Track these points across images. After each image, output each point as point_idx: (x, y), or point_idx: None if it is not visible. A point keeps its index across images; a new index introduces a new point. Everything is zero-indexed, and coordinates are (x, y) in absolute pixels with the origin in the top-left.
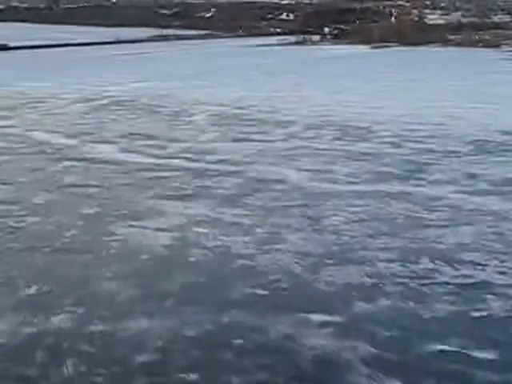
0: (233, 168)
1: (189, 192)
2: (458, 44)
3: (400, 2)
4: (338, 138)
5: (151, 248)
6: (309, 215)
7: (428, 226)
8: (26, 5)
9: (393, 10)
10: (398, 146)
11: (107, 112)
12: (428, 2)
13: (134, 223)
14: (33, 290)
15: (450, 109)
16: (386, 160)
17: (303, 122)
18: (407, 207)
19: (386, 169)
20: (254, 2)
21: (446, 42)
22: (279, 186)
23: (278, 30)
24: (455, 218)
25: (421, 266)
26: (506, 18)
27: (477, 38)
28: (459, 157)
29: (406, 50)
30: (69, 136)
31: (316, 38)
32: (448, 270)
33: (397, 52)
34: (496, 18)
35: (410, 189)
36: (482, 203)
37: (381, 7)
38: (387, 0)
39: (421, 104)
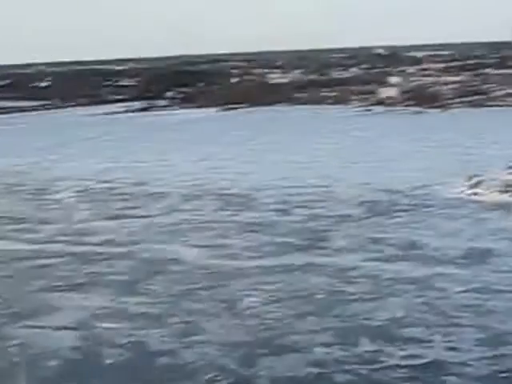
0: (120, 249)
1: (80, 280)
2: (306, 102)
3: (240, 64)
4: (221, 208)
5: (57, 352)
6: (221, 298)
7: (353, 301)
8: None
9: (234, 71)
10: (287, 213)
11: None
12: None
13: (30, 323)
14: None
15: (325, 170)
16: (279, 230)
17: (177, 192)
18: (323, 281)
19: (282, 239)
20: (90, 70)
21: (293, 101)
22: (177, 267)
23: (120, 96)
24: (377, 290)
25: (364, 349)
26: (346, 74)
27: (325, 95)
28: (355, 221)
29: (254, 110)
30: None
31: (162, 102)
32: (393, 350)
33: (247, 114)
34: (335, 74)
35: (318, 260)
36: (398, 271)
37: (220, 68)
38: (223, 61)
39: (295, 166)
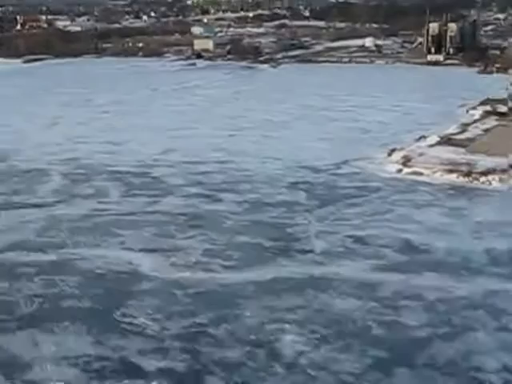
0: (46, 257)
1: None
2: (117, 53)
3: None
4: (132, 195)
5: None
6: (247, 338)
7: (426, 340)
8: None
9: (18, 17)
10: (214, 199)
11: None
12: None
13: None
14: None
15: (201, 139)
16: (226, 224)
17: (58, 171)
18: (357, 305)
19: (244, 239)
20: None
21: (101, 52)
22: (146, 285)
23: None
24: (442, 320)
25: None
26: (135, 23)
27: (140, 45)
28: (309, 211)
29: (62, 62)
30: None
31: None
32: None
33: (55, 66)
34: (127, 22)
35: (317, 271)
36: (440, 288)
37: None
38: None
39: (168, 134)
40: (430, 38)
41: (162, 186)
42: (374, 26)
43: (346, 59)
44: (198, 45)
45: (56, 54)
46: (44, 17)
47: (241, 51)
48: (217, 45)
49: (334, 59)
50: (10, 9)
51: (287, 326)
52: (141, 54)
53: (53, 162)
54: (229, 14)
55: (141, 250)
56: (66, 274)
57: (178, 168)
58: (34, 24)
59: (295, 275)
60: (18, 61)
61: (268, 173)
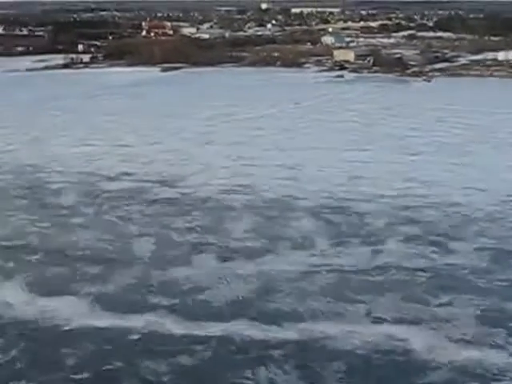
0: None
1: None
2: (254, 63)
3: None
4: (342, 242)
5: None
6: None
7: None
8: None
9: (143, 23)
10: (444, 247)
11: None
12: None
13: None
14: None
15: (380, 165)
16: (486, 285)
17: (239, 202)
18: None
19: None
20: None
21: (238, 61)
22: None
23: (20, 48)
24: None
25: None
26: (261, 31)
27: (276, 54)
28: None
29: (199, 71)
30: None
31: (86, 58)
32: None
33: (192, 75)
34: (251, 31)
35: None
36: None
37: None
38: (119, 11)
39: (340, 157)
40: None
41: (370, 228)
42: (493, 38)
43: (488, 73)
44: (339, 56)
45: (192, 62)
46: (169, 23)
47: (384, 63)
48: (357, 56)
49: (478, 72)
50: (116, 13)
51: None
52: (279, 63)
53: (226, 189)
54: (350, 24)
55: (398, 322)
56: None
57: (376, 202)
58: (160, 31)
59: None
60: (156, 69)
61: (484, 208)
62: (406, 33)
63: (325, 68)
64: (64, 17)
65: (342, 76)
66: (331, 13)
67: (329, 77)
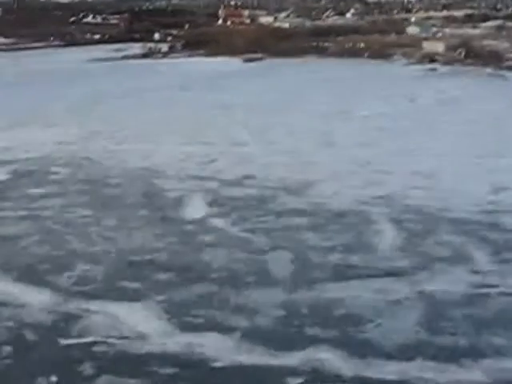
0: None
1: None
2: (339, 54)
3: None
4: (503, 259)
5: None
6: None
7: None
8: None
9: (219, 12)
10: None
11: None
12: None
13: None
14: None
15: None
16: None
17: (379, 214)
18: None
19: None
20: (44, 2)
21: (322, 52)
22: None
23: (96, 36)
24: None
25: None
26: (340, 20)
27: (362, 45)
28: None
29: (282, 62)
30: None
31: (164, 47)
32: None
33: (274, 66)
34: (330, 20)
35: None
36: None
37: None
38: None
39: (479, 165)
40: None
41: None
42: None
43: None
44: (428, 47)
45: (274, 53)
46: (246, 12)
47: (478, 56)
48: (447, 47)
49: None
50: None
51: None
52: (366, 55)
53: (361, 200)
54: (432, 13)
55: None
56: None
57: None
58: (237, 20)
59: None
60: (237, 60)
61: None
62: (493, 23)
63: (414, 60)
64: (138, 5)
65: (434, 69)
66: (409, 1)
67: (422, 70)
